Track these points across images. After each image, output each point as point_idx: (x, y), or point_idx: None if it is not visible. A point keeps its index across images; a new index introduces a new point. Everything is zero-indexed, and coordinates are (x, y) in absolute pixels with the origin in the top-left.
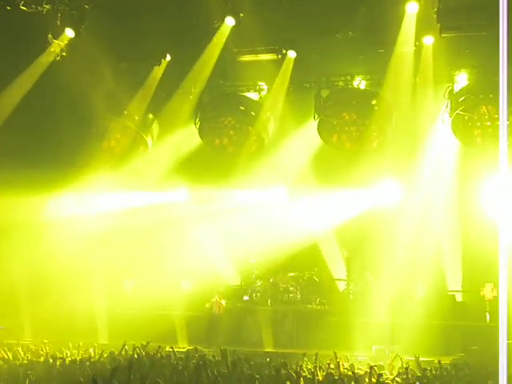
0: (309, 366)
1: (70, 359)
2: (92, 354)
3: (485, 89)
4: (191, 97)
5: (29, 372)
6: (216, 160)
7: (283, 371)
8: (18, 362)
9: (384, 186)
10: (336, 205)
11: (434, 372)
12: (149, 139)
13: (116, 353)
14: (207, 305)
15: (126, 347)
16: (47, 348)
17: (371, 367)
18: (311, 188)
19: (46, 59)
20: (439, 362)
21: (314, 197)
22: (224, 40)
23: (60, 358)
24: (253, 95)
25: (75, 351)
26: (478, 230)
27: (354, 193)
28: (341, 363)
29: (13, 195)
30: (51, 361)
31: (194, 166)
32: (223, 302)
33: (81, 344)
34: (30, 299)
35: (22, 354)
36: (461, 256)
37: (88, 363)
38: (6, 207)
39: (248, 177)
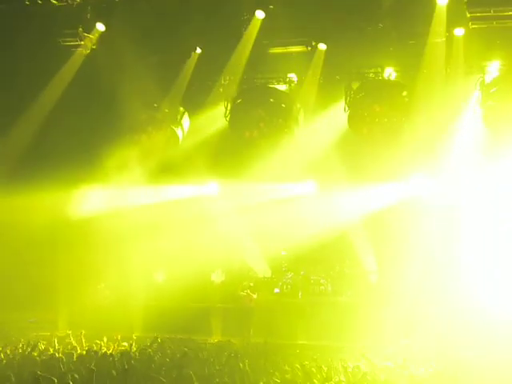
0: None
1: (102, 352)
2: (126, 347)
3: None
4: (221, 89)
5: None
6: (246, 153)
7: None
8: (56, 354)
9: (414, 180)
10: (366, 198)
11: None
12: (179, 133)
13: (147, 345)
14: (241, 293)
15: (159, 339)
16: (83, 340)
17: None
18: (341, 181)
19: (78, 54)
20: None
21: (344, 190)
22: (254, 32)
23: (93, 351)
24: (283, 87)
25: (110, 343)
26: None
27: (383, 186)
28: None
29: (52, 192)
30: (85, 353)
31: (224, 160)
32: (255, 295)
33: (117, 337)
34: (64, 292)
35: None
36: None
37: (119, 356)
38: (45, 204)
39: (277, 170)
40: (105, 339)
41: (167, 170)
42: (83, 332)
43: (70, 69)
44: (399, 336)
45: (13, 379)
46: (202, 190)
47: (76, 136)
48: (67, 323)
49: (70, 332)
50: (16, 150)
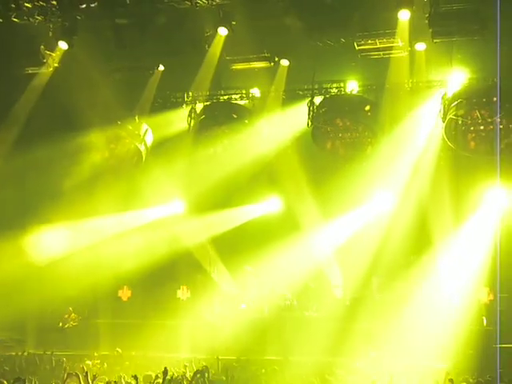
0: None
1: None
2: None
3: (478, 93)
4: (184, 106)
5: None
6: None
7: None
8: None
9: (378, 197)
10: (331, 213)
11: None
12: (143, 149)
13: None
14: None
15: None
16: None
17: None
18: (306, 197)
19: (40, 72)
20: None
21: (309, 206)
22: (217, 49)
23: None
24: (246, 103)
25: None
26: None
27: (348, 204)
28: None
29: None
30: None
31: (189, 178)
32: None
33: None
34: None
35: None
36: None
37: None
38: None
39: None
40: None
41: (130, 187)
42: (53, 351)
43: (33, 88)
44: (368, 349)
45: None
46: (166, 209)
47: (32, 160)
48: (36, 342)
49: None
50: None
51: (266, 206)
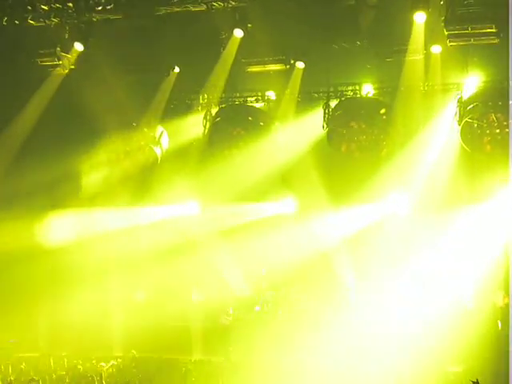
0: None
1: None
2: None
3: (493, 96)
4: (200, 108)
5: None
6: (226, 173)
7: None
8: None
9: (392, 199)
10: (345, 216)
11: None
12: (158, 152)
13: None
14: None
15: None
16: (65, 361)
17: None
18: (320, 199)
19: (56, 74)
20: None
21: (324, 208)
22: (233, 51)
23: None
24: (261, 105)
25: (87, 364)
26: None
27: (362, 206)
28: None
29: (28, 216)
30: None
31: (204, 180)
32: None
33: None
34: (43, 311)
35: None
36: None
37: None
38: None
39: (257, 189)
40: (80, 361)
41: (145, 190)
42: (64, 354)
43: (48, 89)
44: (380, 354)
45: None
46: (181, 209)
47: (53, 156)
48: (48, 343)
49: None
50: None
51: (281, 206)
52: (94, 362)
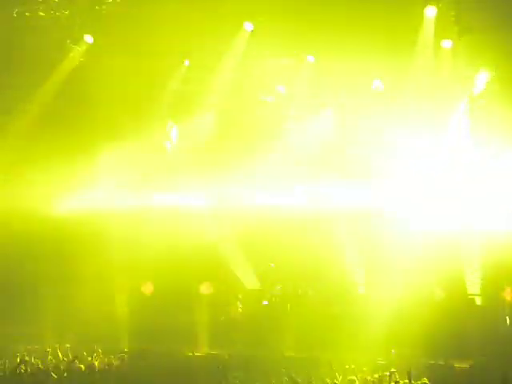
0: None
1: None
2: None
3: (505, 91)
4: (210, 101)
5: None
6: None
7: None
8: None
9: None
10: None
11: None
12: (168, 144)
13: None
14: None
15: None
16: (70, 353)
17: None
18: (331, 188)
19: (65, 66)
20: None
21: (334, 198)
22: (243, 44)
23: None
24: (271, 99)
25: (95, 356)
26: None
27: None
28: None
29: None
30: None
31: (213, 172)
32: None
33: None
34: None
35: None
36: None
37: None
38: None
39: (268, 181)
40: (85, 353)
41: (154, 179)
42: (69, 346)
43: (58, 81)
44: (389, 347)
45: None
46: (189, 199)
47: (63, 147)
48: (54, 335)
49: (57, 346)
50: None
51: (293, 200)
52: (100, 354)
